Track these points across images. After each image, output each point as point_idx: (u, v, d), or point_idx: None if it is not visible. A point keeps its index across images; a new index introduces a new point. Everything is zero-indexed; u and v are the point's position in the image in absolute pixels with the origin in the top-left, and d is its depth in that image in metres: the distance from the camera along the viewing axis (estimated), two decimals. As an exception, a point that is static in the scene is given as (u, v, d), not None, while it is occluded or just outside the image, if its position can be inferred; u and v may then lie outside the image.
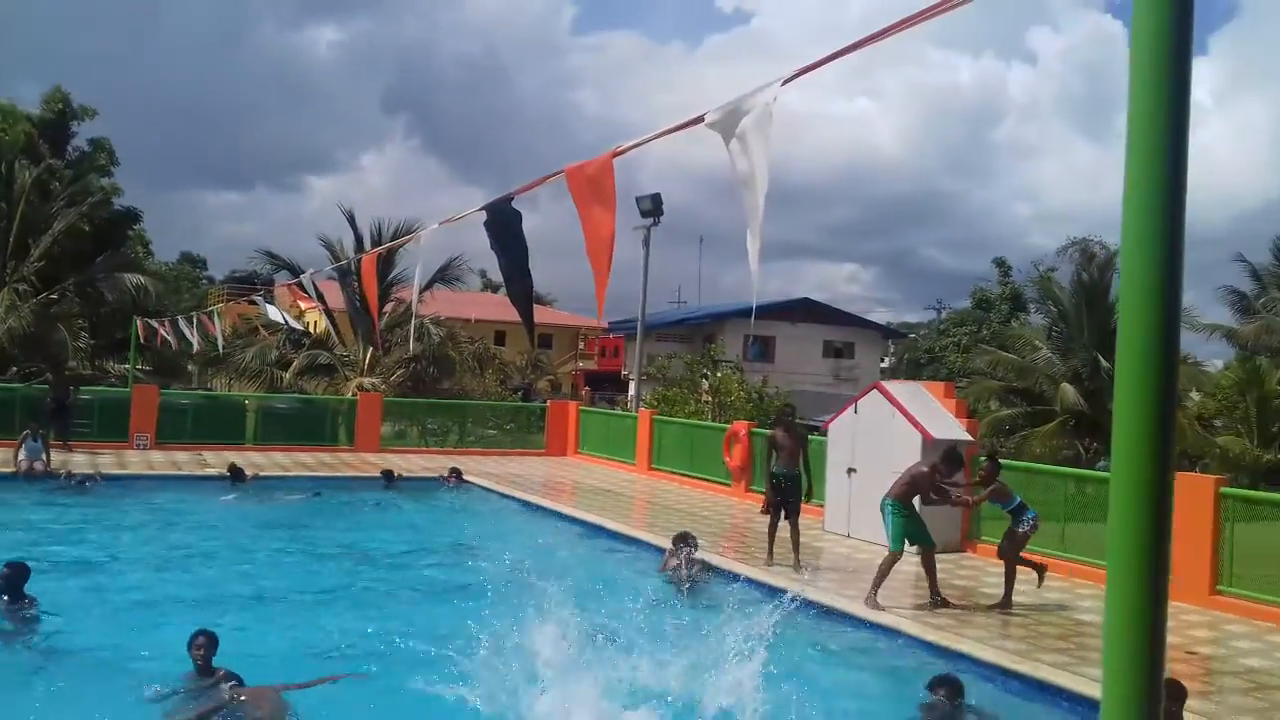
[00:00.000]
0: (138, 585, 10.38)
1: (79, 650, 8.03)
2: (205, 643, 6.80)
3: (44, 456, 16.42)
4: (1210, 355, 39.00)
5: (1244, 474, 25.59)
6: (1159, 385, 1.58)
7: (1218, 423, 30.27)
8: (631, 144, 4.94)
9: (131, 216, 36.92)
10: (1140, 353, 1.58)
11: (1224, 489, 10.87)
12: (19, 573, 8.47)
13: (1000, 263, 56.02)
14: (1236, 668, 8.34)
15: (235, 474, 16.92)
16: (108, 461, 18.28)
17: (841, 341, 51.53)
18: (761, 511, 12.31)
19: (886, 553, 10.02)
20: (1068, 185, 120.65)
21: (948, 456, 10.18)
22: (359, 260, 24.80)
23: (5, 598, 8.36)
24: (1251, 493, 14.89)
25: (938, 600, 9.95)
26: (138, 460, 19.08)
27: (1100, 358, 30.70)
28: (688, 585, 11.00)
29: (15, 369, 26.93)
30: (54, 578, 10.12)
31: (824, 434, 14.84)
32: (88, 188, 32.28)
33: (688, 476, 19.64)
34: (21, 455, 16.30)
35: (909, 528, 10.01)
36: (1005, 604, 9.98)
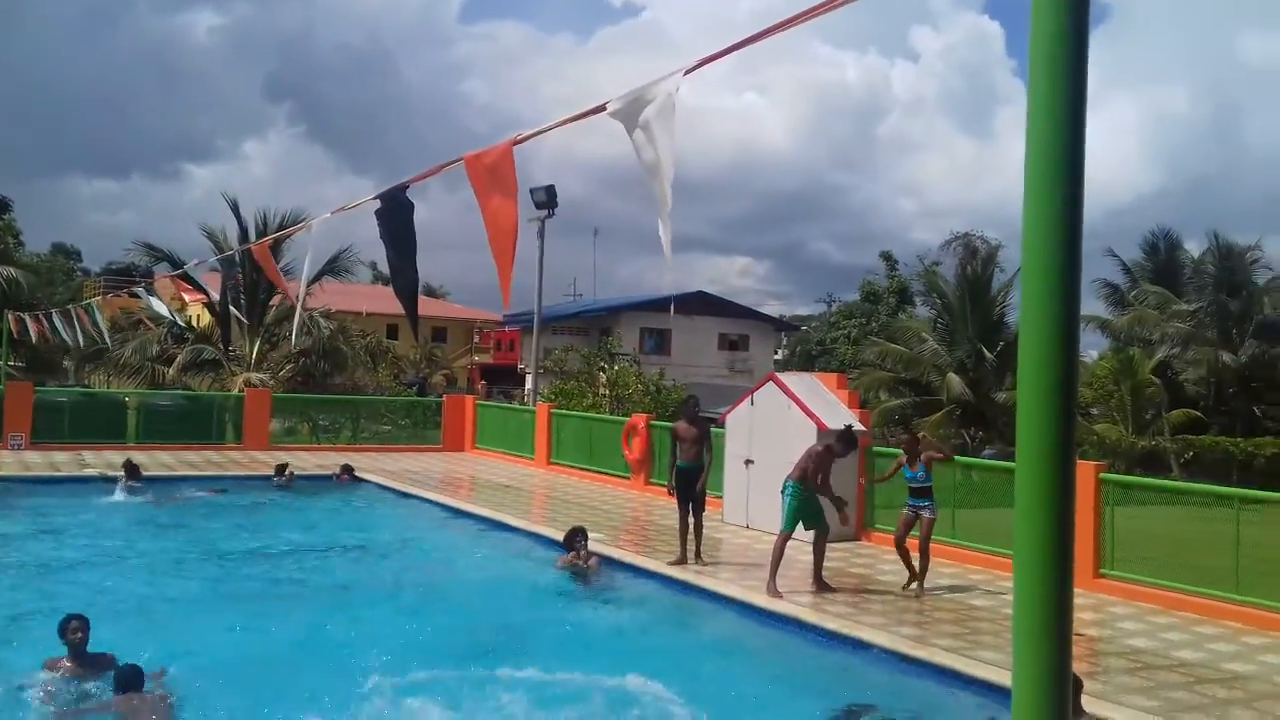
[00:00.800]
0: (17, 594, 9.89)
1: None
2: (79, 625, 6.76)
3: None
4: (1086, 346, 40.70)
5: (1120, 460, 26.74)
6: (1061, 377, 1.61)
7: (1094, 411, 31.56)
8: (531, 132, 4.88)
9: (1, 205, 35.18)
10: (1041, 345, 1.62)
11: (1103, 474, 11.32)
12: None
13: (887, 256, 57.42)
14: (1122, 648, 8.69)
15: (130, 471, 16.28)
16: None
17: (736, 334, 52.11)
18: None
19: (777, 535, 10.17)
20: (949, 181, 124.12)
21: (843, 437, 10.41)
22: (247, 250, 24.11)
23: None
24: (1128, 478, 15.61)
25: (821, 585, 10.13)
26: (12, 461, 18.21)
27: (984, 349, 31.76)
28: (587, 579, 11.01)
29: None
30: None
31: (721, 426, 14.98)
32: (-49, 175, 30.68)
33: (587, 470, 19.61)
34: None
35: (805, 510, 10.16)
36: (920, 585, 10.34)
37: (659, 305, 47.77)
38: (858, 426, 13.26)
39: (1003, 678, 7.20)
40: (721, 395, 29.97)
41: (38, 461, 18.37)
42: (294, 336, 25.39)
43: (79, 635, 6.73)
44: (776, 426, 13.67)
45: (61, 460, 18.66)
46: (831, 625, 8.93)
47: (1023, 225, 1.66)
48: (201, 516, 14.72)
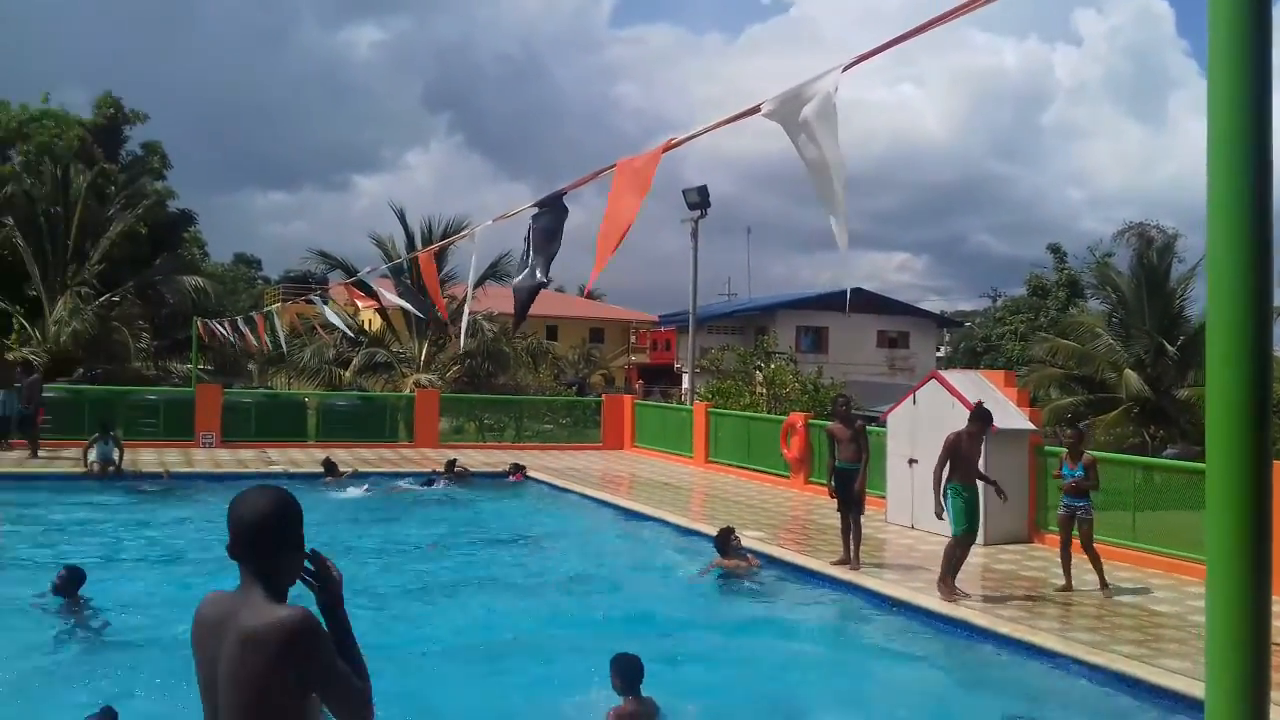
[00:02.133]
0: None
1: (132, 645, 8.18)
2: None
3: (115, 457, 16.76)
4: None
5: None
6: (1252, 372, 1.53)
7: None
8: (685, 136, 4.91)
9: (186, 219, 37.57)
10: (1230, 338, 1.55)
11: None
12: (75, 576, 8.76)
13: (1055, 249, 55.02)
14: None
15: (329, 469, 17.44)
16: (175, 459, 18.64)
17: (895, 331, 51.05)
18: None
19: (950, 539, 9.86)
20: (1119, 168, 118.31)
21: (976, 415, 10.03)
22: (414, 258, 25.05)
23: (62, 599, 8.63)
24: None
25: (949, 588, 9.65)
26: (204, 458, 19.44)
27: (1164, 343, 30.07)
28: (740, 577, 10.99)
29: (81, 371, 27.56)
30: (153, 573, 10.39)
31: (882, 425, 14.70)
32: (142, 191, 32.89)
33: (745, 469, 19.57)
34: (92, 456, 16.66)
35: (970, 508, 9.79)
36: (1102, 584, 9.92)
37: (815, 303, 47.24)
38: (1026, 426, 12.81)
39: (1191, 688, 6.84)
40: (882, 394, 29.44)
41: (227, 459, 19.55)
42: (463, 338, 26.25)
43: None
44: (941, 425, 13.27)
45: (248, 457, 19.81)
46: (1004, 629, 8.65)
47: (1207, 212, 1.58)
48: (403, 509, 15.59)
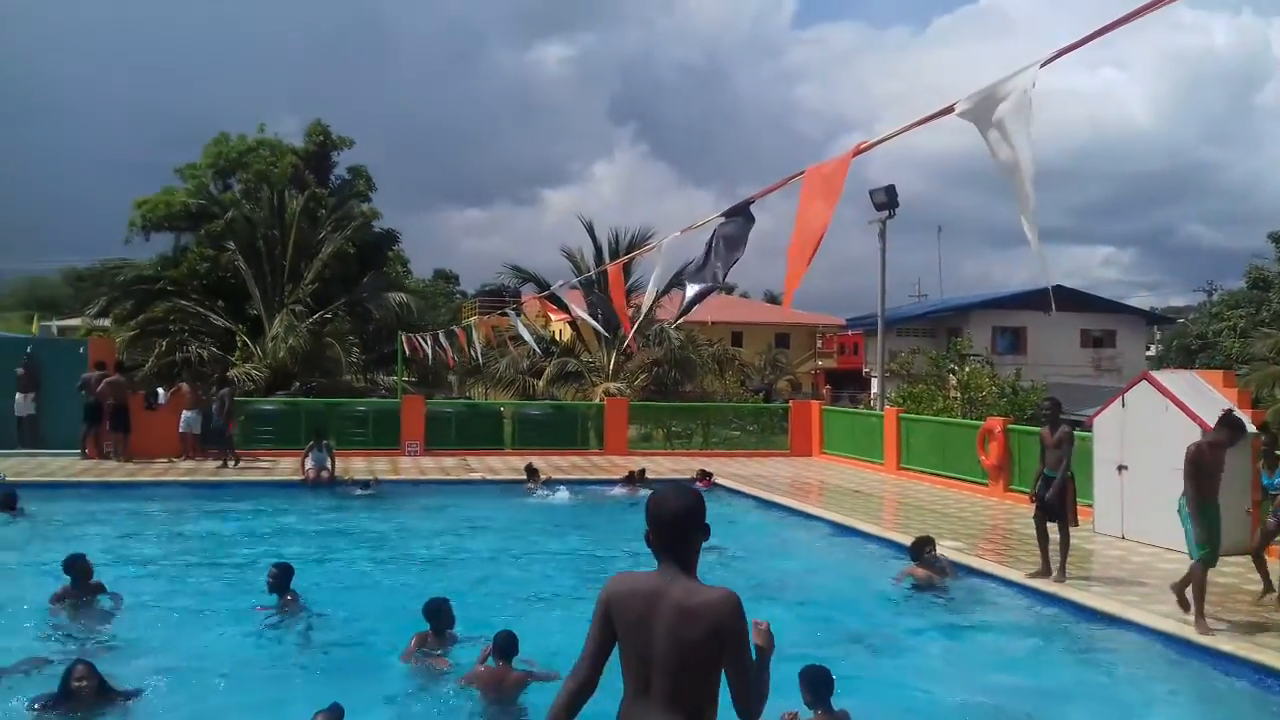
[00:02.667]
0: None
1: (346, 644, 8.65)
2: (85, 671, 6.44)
3: (329, 465, 17.81)
4: None
5: None
6: None
7: None
8: (875, 140, 4.83)
9: (390, 238, 39.55)
10: None
11: None
12: (285, 572, 9.32)
13: (1277, 238, 50.94)
14: None
15: (531, 474, 18.08)
16: (383, 468, 19.64)
17: (1101, 330, 48.40)
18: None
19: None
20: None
21: (1224, 422, 9.10)
22: (602, 272, 25.59)
23: (275, 594, 9.19)
24: None
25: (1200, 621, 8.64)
26: (410, 465, 20.42)
27: None
28: (935, 588, 10.67)
29: (297, 384, 29.43)
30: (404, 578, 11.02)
31: (1088, 429, 13.98)
32: (350, 213, 34.85)
33: (940, 476, 19.01)
34: (309, 464, 17.75)
35: (1212, 530, 8.68)
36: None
37: (1012, 302, 45.38)
38: (1249, 430, 11.93)
39: None
40: (1086, 396, 27.98)
41: (430, 466, 20.47)
42: (627, 339, 26.41)
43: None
44: (1152, 429, 12.57)
45: (450, 465, 20.68)
46: (1227, 647, 8.07)
47: None
48: (597, 514, 16.04)
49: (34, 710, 6.35)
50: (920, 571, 10.84)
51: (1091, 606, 9.63)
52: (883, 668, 8.27)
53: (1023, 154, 3.39)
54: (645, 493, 17.03)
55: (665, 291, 31.27)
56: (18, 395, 20.01)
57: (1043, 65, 3.37)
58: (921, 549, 10.98)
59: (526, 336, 20.53)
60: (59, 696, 6.33)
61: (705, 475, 18.82)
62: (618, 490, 17.84)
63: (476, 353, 22.71)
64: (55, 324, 60.54)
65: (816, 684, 6.29)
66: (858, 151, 4.74)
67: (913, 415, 22.62)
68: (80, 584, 9.19)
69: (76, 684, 6.27)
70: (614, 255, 32.56)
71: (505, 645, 7.19)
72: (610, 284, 12.96)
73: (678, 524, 3.23)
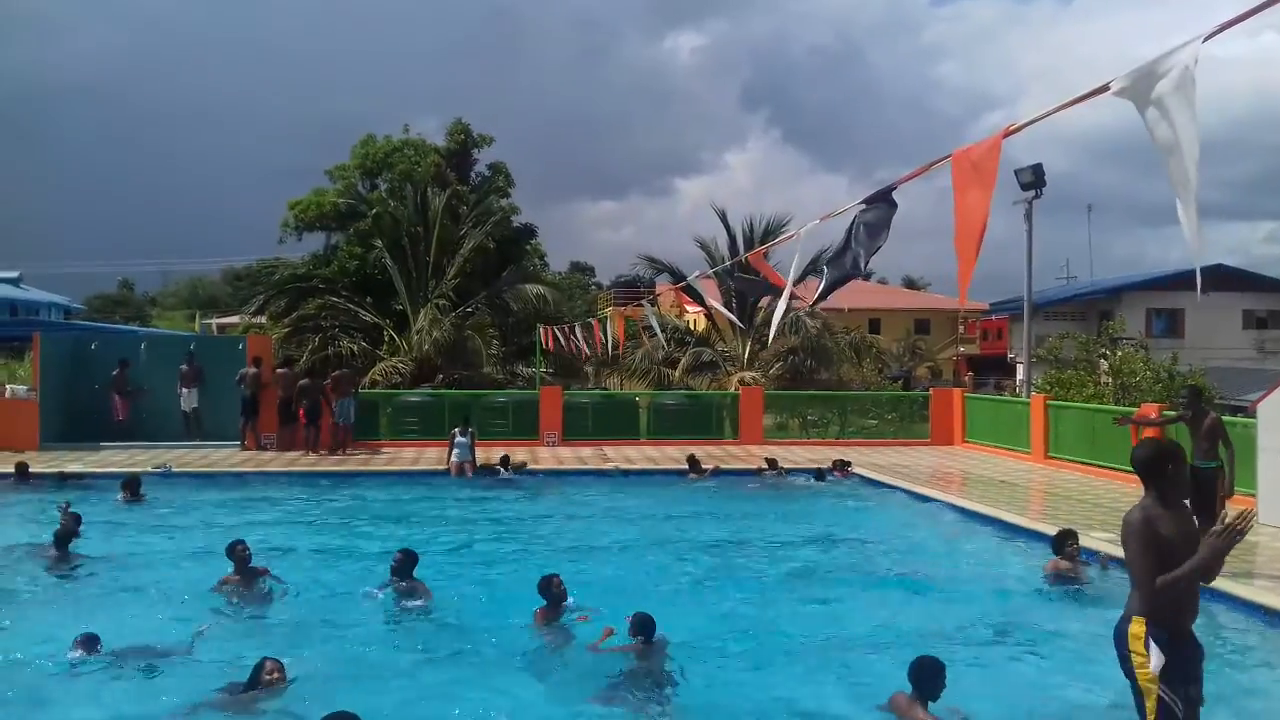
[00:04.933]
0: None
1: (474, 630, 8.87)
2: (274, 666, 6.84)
3: (471, 457, 18.26)
4: None
5: None
6: None
7: None
8: (1025, 122, 4.69)
9: (528, 232, 40.31)
10: None
11: None
12: (410, 558, 9.65)
13: None
14: None
15: (692, 465, 18.21)
16: (524, 457, 20.05)
17: (1265, 310, 45.67)
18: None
19: None
20: None
21: None
22: (738, 261, 25.51)
23: (399, 579, 9.51)
24: None
25: None
26: (548, 455, 20.79)
27: None
28: (1080, 582, 10.29)
29: (441, 376, 30.32)
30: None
31: (1252, 415, 13.24)
32: (490, 209, 35.67)
33: (1091, 465, 18.31)
34: (454, 456, 18.21)
35: None
36: None
37: (1167, 282, 43.29)
38: None
39: None
40: (1249, 381, 26.53)
41: (568, 456, 20.79)
42: (773, 328, 26.27)
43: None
44: (1325, 416, 11.85)
45: (586, 455, 20.96)
46: None
47: None
48: (745, 504, 16.03)
49: (224, 695, 6.72)
50: (1063, 565, 10.50)
51: (1255, 601, 9.14)
52: (1020, 662, 8.05)
53: (1184, 134, 3.24)
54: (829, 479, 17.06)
55: (801, 279, 31.13)
56: (183, 390, 21.22)
57: (1205, 40, 3.22)
58: (1064, 542, 10.63)
59: (656, 328, 20.65)
60: (248, 687, 6.68)
61: (843, 465, 18.58)
62: (801, 479, 18.04)
63: (611, 344, 22.96)
64: (215, 321, 63.95)
65: (924, 676, 6.17)
66: (1008, 133, 4.61)
67: (1061, 402, 21.83)
68: (240, 568, 9.70)
69: (268, 677, 6.62)
70: (748, 243, 32.43)
71: (643, 625, 7.63)
72: (756, 268, 12.97)
73: (1143, 465, 4.82)
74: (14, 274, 77.69)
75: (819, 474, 18.04)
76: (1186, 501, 9.84)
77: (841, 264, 6.80)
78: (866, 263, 6.66)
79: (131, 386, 21.25)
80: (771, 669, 7.91)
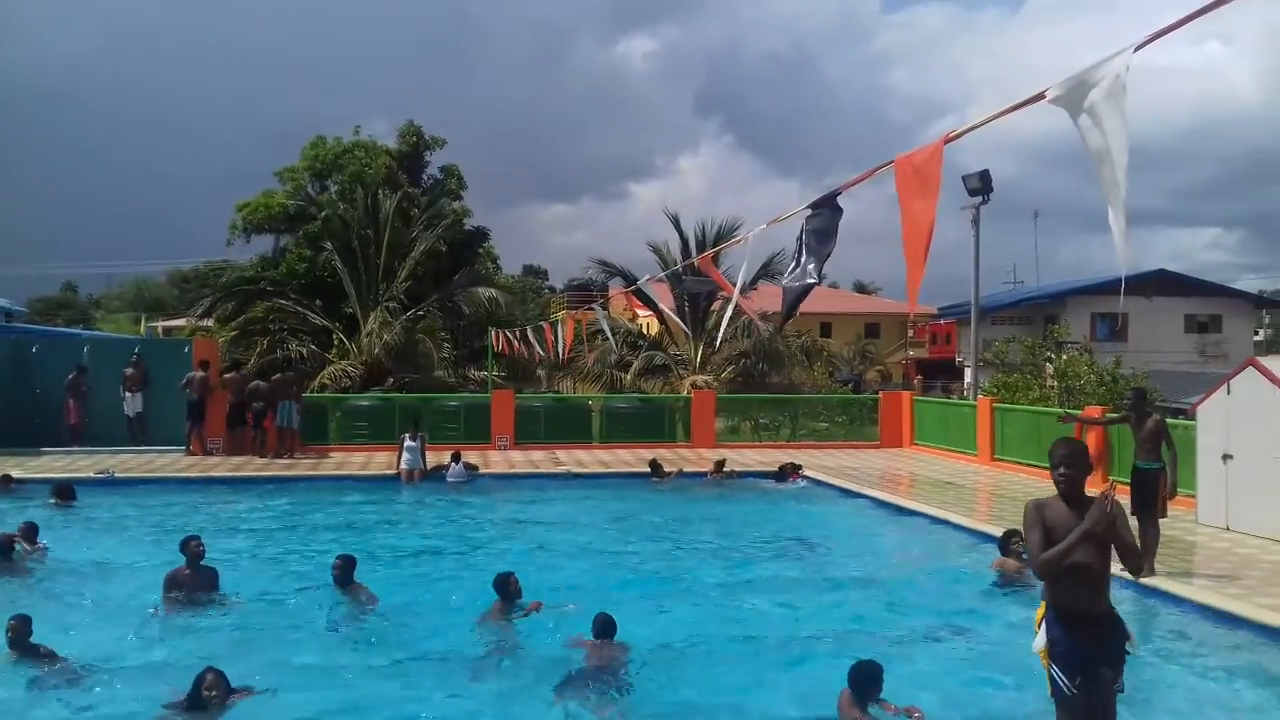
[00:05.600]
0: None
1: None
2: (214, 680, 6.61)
3: (422, 463, 18.11)
4: None
5: None
6: None
7: None
8: (964, 129, 4.77)
9: (481, 235, 40.10)
10: None
11: None
12: (349, 563, 9.66)
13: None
14: None
15: (655, 469, 18.22)
16: (475, 461, 19.93)
17: (1206, 315, 46.74)
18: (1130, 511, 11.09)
19: None
20: None
21: None
22: (690, 264, 25.60)
23: (340, 587, 9.53)
24: None
25: None
26: (500, 460, 20.69)
27: None
28: (1028, 580, 10.46)
29: (391, 380, 30.07)
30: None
31: (1191, 417, 13.55)
32: (442, 211, 35.44)
33: (1036, 467, 18.59)
34: (403, 462, 18.01)
35: None
36: None
37: (1112, 288, 44.13)
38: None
39: None
40: (1190, 384, 27.11)
41: (520, 460, 20.71)
42: (722, 330, 26.40)
43: (214, 693, 6.57)
44: (1260, 418, 12.15)
45: (539, 459, 20.90)
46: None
47: None
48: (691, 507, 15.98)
49: (165, 713, 6.58)
50: (1010, 563, 10.67)
51: (1193, 600, 9.35)
52: (967, 661, 8.17)
53: (1115, 141, 3.32)
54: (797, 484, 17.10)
55: (753, 284, 31.29)
56: (126, 394, 20.82)
57: (1136, 49, 3.30)
58: (1009, 541, 10.80)
59: (608, 331, 20.65)
60: (189, 703, 6.52)
61: (794, 468, 18.71)
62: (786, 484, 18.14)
63: (563, 347, 22.93)
64: (161, 325, 62.90)
65: (861, 679, 6.33)
66: (948, 140, 4.69)
67: (1007, 405, 22.16)
68: (192, 564, 9.56)
69: (207, 693, 6.46)
70: (701, 247, 32.53)
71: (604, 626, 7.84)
72: (705, 272, 13.06)
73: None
74: (-48, 276, 75.99)
75: (779, 476, 18.17)
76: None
77: (798, 276, 6.85)
78: (821, 270, 6.73)
79: (84, 389, 20.75)
80: (726, 670, 7.96)
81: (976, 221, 25.55)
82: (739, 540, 13.44)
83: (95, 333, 54.93)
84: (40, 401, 20.77)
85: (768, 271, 31.99)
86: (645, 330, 37.68)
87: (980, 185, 25.00)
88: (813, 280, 6.72)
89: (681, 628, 8.98)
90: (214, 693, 6.47)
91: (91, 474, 17.09)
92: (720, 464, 18.59)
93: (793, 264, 6.78)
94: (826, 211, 6.18)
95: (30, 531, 11.30)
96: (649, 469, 18.38)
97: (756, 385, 30.54)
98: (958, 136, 4.77)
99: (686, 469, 18.75)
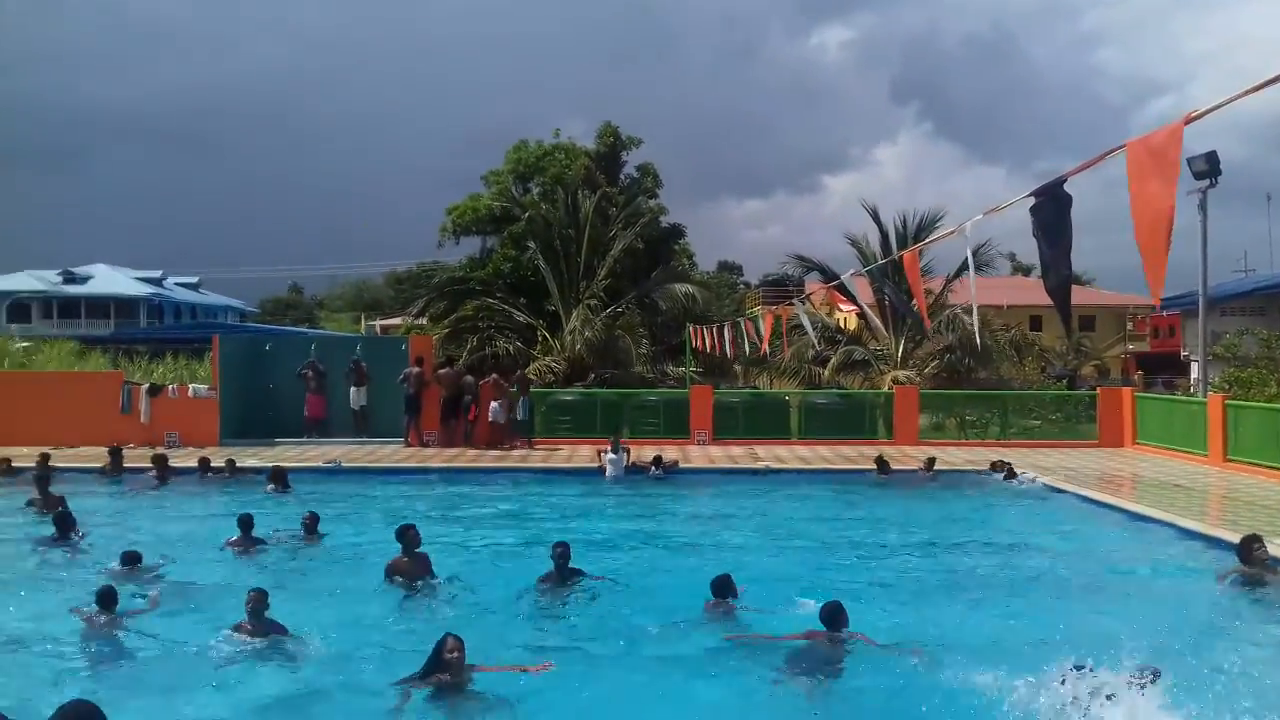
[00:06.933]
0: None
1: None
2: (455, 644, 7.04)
3: (623, 468, 18.30)
4: None
5: None
6: None
7: None
8: (1208, 108, 4.45)
9: (676, 232, 40.42)
10: None
11: None
12: (566, 552, 9.96)
13: None
14: None
15: (881, 466, 18.00)
16: (673, 455, 20.14)
17: None
18: None
19: None
20: None
21: None
22: (890, 260, 25.03)
23: (559, 575, 9.88)
24: None
25: None
26: (699, 454, 20.84)
27: None
28: (1266, 587, 9.70)
29: (592, 375, 30.75)
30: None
31: None
32: (639, 210, 35.93)
33: (1275, 469, 17.21)
34: (608, 469, 18.18)
35: None
36: None
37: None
38: None
39: None
40: None
41: (718, 455, 20.79)
42: (924, 327, 25.73)
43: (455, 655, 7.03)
44: None
45: (737, 454, 20.91)
46: None
47: None
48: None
49: (405, 684, 7.04)
50: (1249, 570, 9.93)
51: None
52: (1203, 671, 7.64)
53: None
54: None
55: (958, 275, 30.28)
56: (351, 389, 22.18)
57: None
58: (1250, 547, 10.04)
59: (808, 327, 20.43)
60: (432, 667, 6.99)
61: (1003, 465, 17.99)
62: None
63: (762, 343, 22.84)
64: (379, 323, 66.55)
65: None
66: (1189, 121, 4.39)
67: (1241, 401, 20.59)
68: (408, 552, 10.11)
69: (449, 655, 6.94)
70: (900, 239, 31.77)
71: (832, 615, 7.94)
72: (906, 271, 12.71)
73: None
74: (194, 279, 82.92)
75: (1009, 473, 17.65)
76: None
77: (1052, 279, 6.56)
78: (1069, 262, 6.44)
79: (317, 384, 22.22)
80: (947, 672, 7.75)
81: (1203, 206, 23.88)
82: (956, 539, 13.04)
83: (321, 331, 58.80)
84: (273, 395, 22.43)
85: (975, 263, 30.80)
86: (843, 325, 37.10)
87: (1207, 168, 23.35)
88: (1067, 274, 6.44)
89: (902, 628, 8.76)
90: (455, 654, 6.92)
91: (321, 464, 18.28)
92: (930, 461, 18.12)
93: (1042, 264, 6.52)
94: (1050, 202, 5.90)
95: (312, 522, 12.17)
96: (875, 465, 18.08)
97: (962, 381, 29.56)
98: (1200, 116, 4.46)
99: (895, 467, 18.32)
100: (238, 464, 17.13)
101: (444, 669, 6.92)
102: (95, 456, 18.14)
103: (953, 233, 8.23)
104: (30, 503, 13.73)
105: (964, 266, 30.61)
